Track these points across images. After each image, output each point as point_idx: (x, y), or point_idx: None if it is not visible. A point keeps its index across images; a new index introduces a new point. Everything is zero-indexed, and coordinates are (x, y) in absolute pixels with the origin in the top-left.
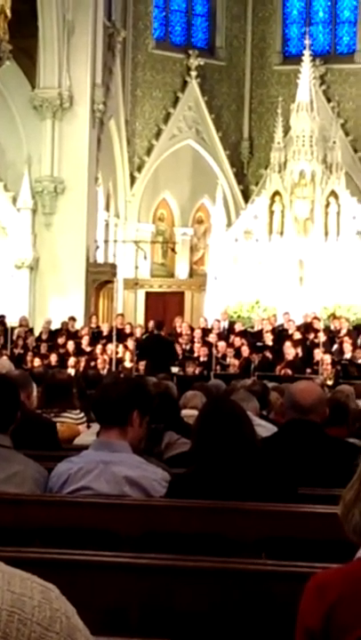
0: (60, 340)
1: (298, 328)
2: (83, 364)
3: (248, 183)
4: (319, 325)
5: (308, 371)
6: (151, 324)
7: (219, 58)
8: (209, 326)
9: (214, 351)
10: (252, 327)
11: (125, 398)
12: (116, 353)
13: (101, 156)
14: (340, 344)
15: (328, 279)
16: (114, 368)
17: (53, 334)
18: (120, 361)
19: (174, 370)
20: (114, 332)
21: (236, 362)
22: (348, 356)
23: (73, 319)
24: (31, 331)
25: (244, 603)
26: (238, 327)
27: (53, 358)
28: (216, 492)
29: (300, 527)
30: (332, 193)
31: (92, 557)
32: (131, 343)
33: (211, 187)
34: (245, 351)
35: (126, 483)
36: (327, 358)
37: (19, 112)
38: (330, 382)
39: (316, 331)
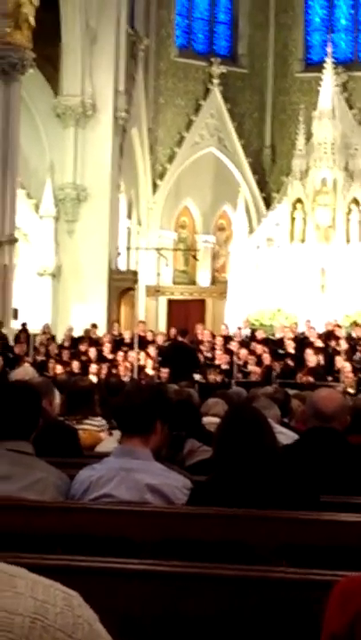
0: (82, 348)
1: (319, 336)
2: (104, 371)
3: (270, 190)
4: (341, 333)
5: (330, 378)
6: (173, 331)
7: (241, 65)
8: (230, 334)
9: (235, 359)
10: (274, 335)
11: (149, 406)
12: (138, 360)
13: (124, 164)
14: None
15: (350, 287)
16: (135, 375)
17: (75, 341)
18: (142, 368)
19: (196, 377)
20: (135, 340)
21: (258, 369)
22: None
23: (95, 326)
24: (53, 338)
25: (265, 610)
26: (260, 335)
27: (75, 365)
28: (237, 499)
29: (322, 535)
30: (354, 200)
31: (113, 565)
32: (152, 350)
33: (232, 194)
34: (267, 359)
35: (148, 490)
36: (348, 366)
37: (42, 120)
38: (352, 390)
39: (338, 338)
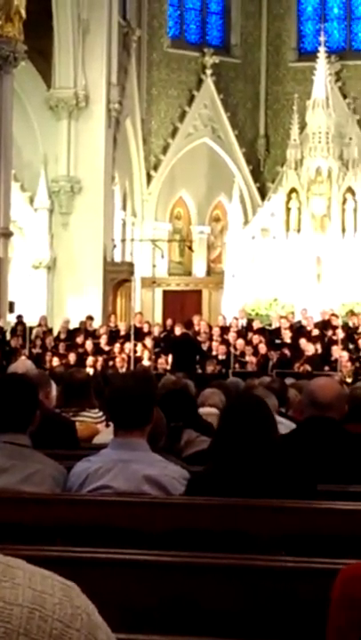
0: (79, 340)
1: (316, 325)
2: (101, 362)
3: (264, 180)
4: (337, 322)
5: (327, 368)
6: (169, 322)
7: (234, 55)
8: (227, 324)
9: (232, 349)
10: (270, 324)
11: (146, 399)
12: (135, 352)
13: (118, 156)
14: (358, 341)
15: (346, 276)
16: (132, 367)
17: (72, 334)
18: (138, 359)
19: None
20: (132, 331)
21: (255, 359)
22: None
23: (91, 318)
24: (50, 330)
25: (265, 599)
26: (256, 325)
27: (72, 358)
28: (235, 489)
29: (320, 524)
30: (349, 189)
31: (112, 555)
32: (149, 342)
33: (227, 184)
34: (263, 349)
35: (145, 481)
36: (345, 355)
37: (35, 112)
38: (349, 379)
39: (335, 328)
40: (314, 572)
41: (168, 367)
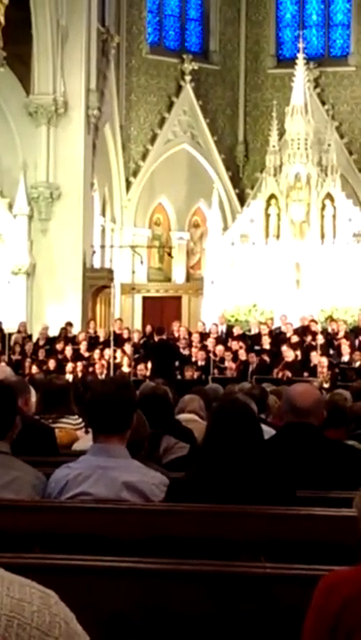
0: (59, 346)
1: (295, 331)
2: (80, 369)
3: (244, 187)
4: (317, 328)
5: (306, 374)
6: (148, 328)
7: (213, 62)
8: (207, 330)
9: (212, 355)
10: (250, 330)
11: (127, 405)
12: (114, 358)
13: (97, 162)
14: (338, 347)
15: (325, 282)
16: (112, 373)
17: (51, 340)
18: (118, 366)
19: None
20: (111, 337)
21: (234, 365)
22: (345, 358)
23: (70, 325)
24: (29, 337)
25: (245, 606)
26: (236, 331)
27: (51, 364)
28: (215, 495)
29: (299, 530)
30: (328, 195)
31: (91, 562)
32: (128, 348)
33: (206, 191)
34: (243, 355)
35: (125, 487)
36: (324, 361)
37: (14, 118)
38: (326, 385)
39: (314, 333)
40: (293, 578)
41: (148, 373)
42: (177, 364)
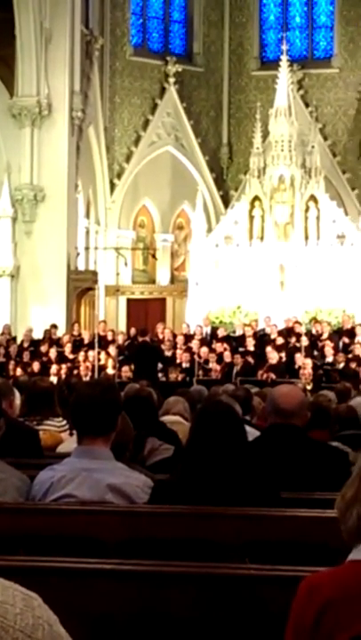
0: (43, 348)
1: (280, 332)
2: (65, 371)
3: (228, 188)
4: (301, 330)
5: (287, 376)
6: (133, 330)
7: (196, 64)
8: (191, 332)
9: (196, 357)
10: (234, 332)
11: (112, 407)
12: (99, 360)
13: (81, 164)
14: (322, 348)
15: (309, 283)
16: (96, 375)
17: (35, 342)
18: (102, 368)
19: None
20: (96, 340)
21: (219, 367)
22: (329, 359)
23: (55, 327)
24: (14, 339)
25: (229, 607)
26: (221, 332)
27: (36, 366)
28: (199, 497)
29: (283, 531)
30: (312, 197)
31: (76, 565)
32: (113, 350)
33: (191, 193)
34: (227, 356)
35: (109, 490)
36: (309, 362)
37: None
38: (309, 387)
39: (298, 335)
40: (278, 579)
41: (131, 375)
42: (160, 365)
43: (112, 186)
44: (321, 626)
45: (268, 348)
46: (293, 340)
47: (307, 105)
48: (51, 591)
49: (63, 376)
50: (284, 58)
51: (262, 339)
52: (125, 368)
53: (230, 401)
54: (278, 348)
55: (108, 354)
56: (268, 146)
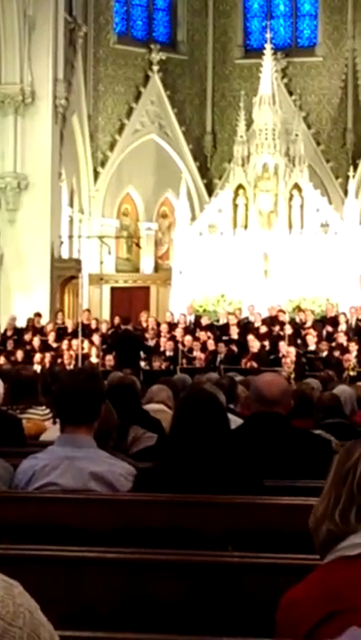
0: (26, 337)
1: (263, 321)
2: (49, 360)
3: (212, 177)
4: (285, 318)
5: (271, 364)
6: (117, 319)
7: (180, 52)
8: (175, 320)
9: (180, 345)
10: (218, 321)
11: (95, 396)
12: (82, 349)
13: (64, 152)
14: (305, 337)
15: (293, 272)
16: (80, 364)
17: (19, 331)
18: (86, 356)
19: (141, 364)
20: (79, 328)
21: (202, 355)
22: (312, 348)
23: (38, 315)
24: None
25: (213, 594)
26: (204, 321)
27: (19, 355)
28: (182, 485)
29: (267, 519)
30: (296, 186)
31: (59, 553)
32: (97, 338)
33: (174, 181)
34: (211, 345)
35: (92, 478)
36: (292, 351)
37: None
38: (292, 375)
39: (282, 323)
40: (260, 567)
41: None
42: (143, 354)
43: (96, 174)
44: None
45: (251, 337)
46: (277, 328)
47: (291, 93)
48: (34, 579)
49: (47, 365)
50: (268, 46)
51: (246, 327)
52: (109, 357)
53: (214, 389)
54: (262, 337)
55: (91, 342)
56: (252, 134)
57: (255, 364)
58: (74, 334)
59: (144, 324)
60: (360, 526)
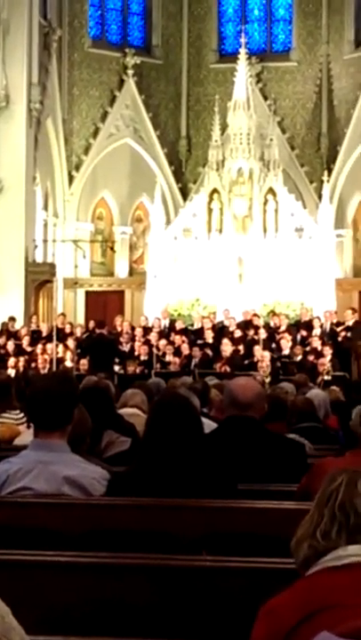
0: (0, 341)
1: (238, 325)
2: (23, 364)
3: (186, 181)
4: (259, 322)
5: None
6: (92, 323)
7: (155, 56)
8: (149, 325)
9: (155, 349)
10: (193, 325)
11: (68, 400)
12: (57, 353)
13: (39, 156)
14: (280, 341)
15: (267, 276)
16: (54, 368)
17: None
18: (61, 361)
19: (115, 368)
20: (54, 332)
21: (177, 360)
22: (286, 352)
23: (13, 319)
24: None
25: (185, 598)
26: (179, 325)
27: None
28: (156, 489)
29: (240, 523)
30: (270, 190)
31: (32, 557)
32: (71, 343)
33: (149, 185)
34: (186, 349)
35: (65, 482)
36: (267, 355)
37: None
38: (267, 379)
39: (256, 327)
40: (234, 570)
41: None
42: (116, 358)
43: (70, 178)
44: None
45: (225, 340)
46: (252, 332)
47: (265, 98)
48: (7, 583)
49: (21, 369)
50: (242, 51)
51: (221, 331)
52: (84, 361)
53: (188, 393)
54: (236, 341)
55: (66, 346)
56: (226, 139)
57: (228, 369)
58: (48, 338)
59: (119, 328)
60: (342, 542)
